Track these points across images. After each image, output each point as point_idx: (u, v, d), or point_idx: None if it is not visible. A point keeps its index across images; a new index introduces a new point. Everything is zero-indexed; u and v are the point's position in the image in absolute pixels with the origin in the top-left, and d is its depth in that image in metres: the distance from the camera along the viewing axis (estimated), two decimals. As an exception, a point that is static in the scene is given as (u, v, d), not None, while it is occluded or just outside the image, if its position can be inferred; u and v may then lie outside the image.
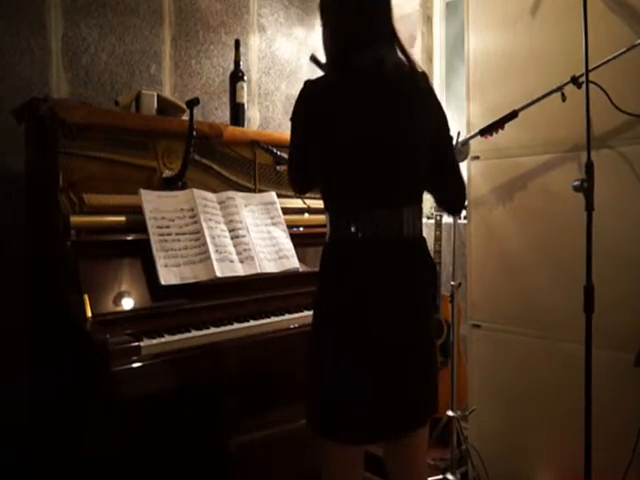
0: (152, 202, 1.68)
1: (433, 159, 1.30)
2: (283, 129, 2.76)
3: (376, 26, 1.27)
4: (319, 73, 1.34)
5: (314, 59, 1.39)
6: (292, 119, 1.33)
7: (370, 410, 1.21)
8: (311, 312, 1.78)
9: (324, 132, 1.24)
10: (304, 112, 1.29)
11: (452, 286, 2.20)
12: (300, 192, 1.48)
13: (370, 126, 1.22)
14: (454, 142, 1.37)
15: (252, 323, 1.68)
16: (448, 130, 1.35)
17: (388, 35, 1.28)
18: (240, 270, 1.74)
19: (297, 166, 1.37)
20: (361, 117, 1.23)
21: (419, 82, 1.29)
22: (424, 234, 1.34)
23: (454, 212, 1.47)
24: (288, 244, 1.93)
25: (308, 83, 1.28)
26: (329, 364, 1.23)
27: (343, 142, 1.23)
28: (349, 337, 1.20)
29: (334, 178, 1.27)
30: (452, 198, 1.41)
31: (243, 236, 1.82)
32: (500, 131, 1.96)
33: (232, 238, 1.79)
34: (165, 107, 1.96)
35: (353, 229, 1.22)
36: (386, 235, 1.23)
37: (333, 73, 1.29)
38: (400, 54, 1.29)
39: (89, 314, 1.46)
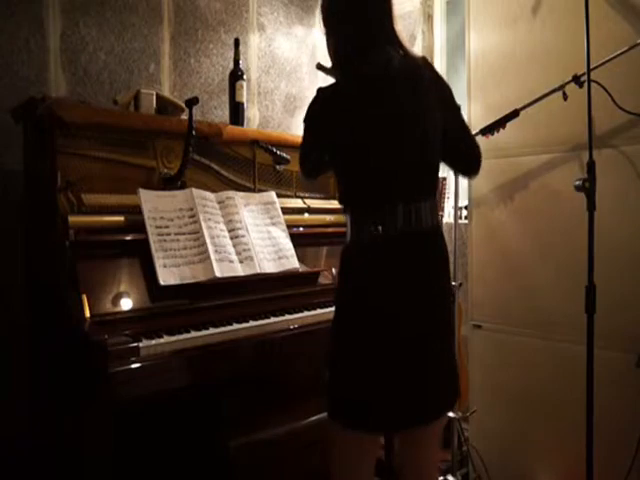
0: (151, 202, 1.67)
1: (449, 133, 1.34)
2: (283, 128, 2.75)
3: (377, 30, 1.32)
4: (319, 73, 1.35)
5: (320, 67, 1.44)
6: (305, 121, 1.37)
7: (392, 399, 1.25)
8: (311, 312, 1.82)
9: (340, 136, 1.29)
10: (319, 118, 1.34)
11: (453, 286, 2.19)
12: (311, 180, 1.55)
13: (384, 125, 1.27)
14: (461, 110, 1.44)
15: (252, 324, 1.67)
16: (454, 101, 1.39)
17: (390, 37, 1.33)
18: (240, 270, 1.73)
19: (308, 160, 1.41)
20: (375, 117, 1.27)
21: (422, 73, 1.33)
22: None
23: (473, 173, 1.50)
24: (288, 244, 1.92)
25: (321, 91, 1.33)
26: (356, 357, 1.26)
27: (360, 143, 1.28)
28: (380, 331, 1.25)
29: (354, 178, 1.31)
30: (470, 160, 1.44)
31: (243, 236, 1.81)
32: (501, 130, 1.96)
33: (231, 238, 1.78)
34: (164, 106, 1.95)
35: (376, 226, 1.26)
36: (409, 229, 1.27)
37: (343, 79, 1.35)
38: (402, 53, 1.33)
39: (88, 314, 1.45)
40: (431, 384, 1.28)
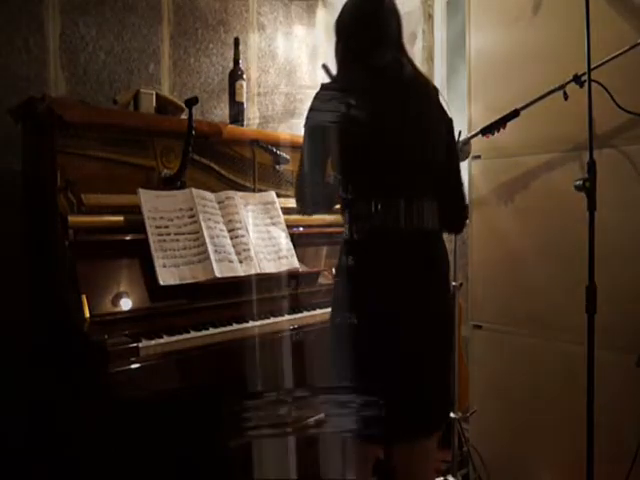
0: (150, 202, 1.67)
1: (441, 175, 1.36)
2: (283, 128, 2.75)
3: (388, 44, 1.34)
4: (320, 72, 1.35)
5: (326, 69, 1.43)
6: (306, 125, 1.35)
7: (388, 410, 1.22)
8: (311, 312, 1.82)
9: (345, 131, 1.28)
10: (322, 113, 1.32)
11: (453, 286, 2.18)
12: (311, 212, 1.51)
13: (391, 123, 1.28)
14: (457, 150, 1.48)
15: (251, 324, 1.67)
16: (457, 152, 1.45)
17: (398, 50, 1.36)
18: (239, 270, 1.73)
19: (311, 179, 1.36)
20: (382, 114, 1.27)
21: (433, 93, 1.37)
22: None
23: (454, 229, 1.47)
24: (288, 244, 1.92)
25: (324, 86, 1.34)
26: (348, 356, 1.26)
27: (365, 139, 1.27)
28: (376, 330, 1.23)
29: (355, 174, 1.31)
30: (454, 215, 1.43)
31: (242, 236, 1.80)
32: (502, 130, 1.95)
33: (231, 238, 1.78)
34: (164, 106, 1.95)
35: (375, 222, 1.26)
36: (410, 227, 1.26)
37: (350, 74, 1.35)
38: (411, 67, 1.36)
39: (87, 314, 1.45)
40: (424, 393, 1.27)
